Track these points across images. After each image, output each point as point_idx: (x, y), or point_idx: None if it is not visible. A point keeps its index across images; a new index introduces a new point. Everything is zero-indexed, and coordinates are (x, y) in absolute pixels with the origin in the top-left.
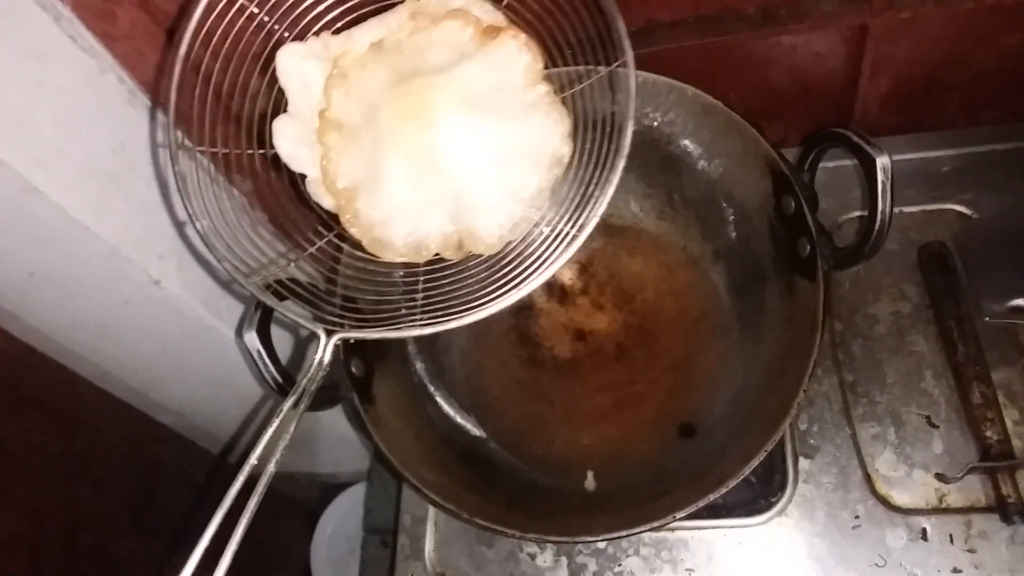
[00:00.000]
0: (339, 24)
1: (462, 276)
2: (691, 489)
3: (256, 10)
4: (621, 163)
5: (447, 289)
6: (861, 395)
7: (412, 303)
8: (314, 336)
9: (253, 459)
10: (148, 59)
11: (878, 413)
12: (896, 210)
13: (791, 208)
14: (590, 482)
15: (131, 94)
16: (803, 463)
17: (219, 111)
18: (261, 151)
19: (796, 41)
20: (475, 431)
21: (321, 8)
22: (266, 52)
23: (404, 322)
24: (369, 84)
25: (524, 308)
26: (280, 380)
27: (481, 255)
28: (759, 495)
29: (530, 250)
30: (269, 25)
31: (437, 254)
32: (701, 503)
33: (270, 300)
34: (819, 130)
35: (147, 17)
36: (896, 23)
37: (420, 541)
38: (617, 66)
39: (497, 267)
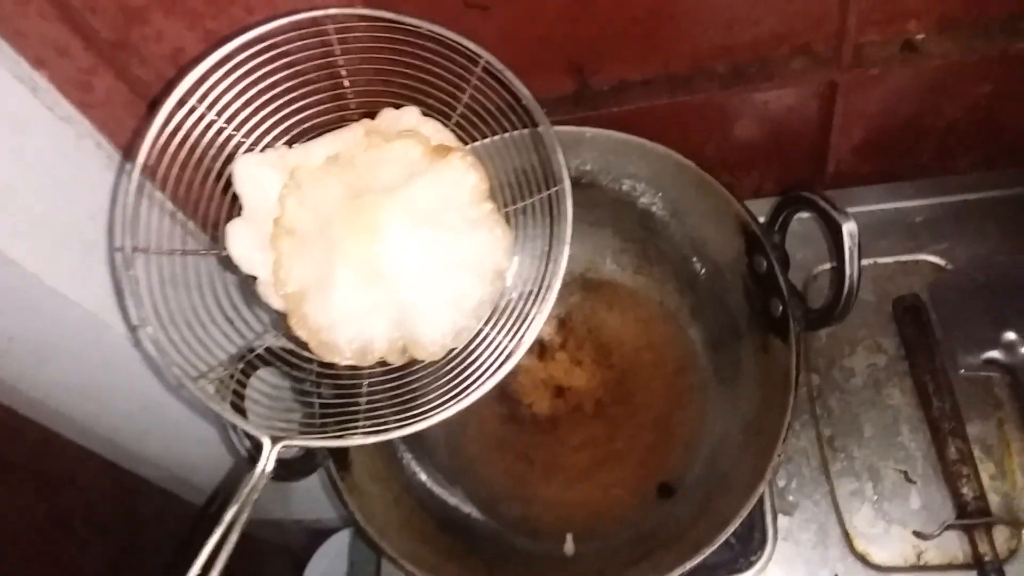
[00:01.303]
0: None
1: (405, 382)
2: (670, 553)
3: (215, 117)
4: (557, 283)
5: (390, 394)
6: (839, 450)
7: (355, 407)
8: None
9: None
10: (126, 125)
11: (856, 468)
12: (871, 261)
13: (763, 267)
14: (569, 546)
15: (109, 159)
16: (782, 520)
17: (176, 214)
18: (214, 252)
19: (767, 97)
20: (452, 500)
21: (277, 117)
22: (223, 159)
23: (347, 428)
24: (323, 196)
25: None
26: (254, 452)
27: (424, 361)
28: (739, 554)
29: (470, 359)
30: (227, 131)
31: (382, 359)
32: (678, 571)
33: (215, 404)
34: (794, 181)
35: (124, 86)
36: (865, 79)
37: None
38: (555, 191)
39: (439, 374)
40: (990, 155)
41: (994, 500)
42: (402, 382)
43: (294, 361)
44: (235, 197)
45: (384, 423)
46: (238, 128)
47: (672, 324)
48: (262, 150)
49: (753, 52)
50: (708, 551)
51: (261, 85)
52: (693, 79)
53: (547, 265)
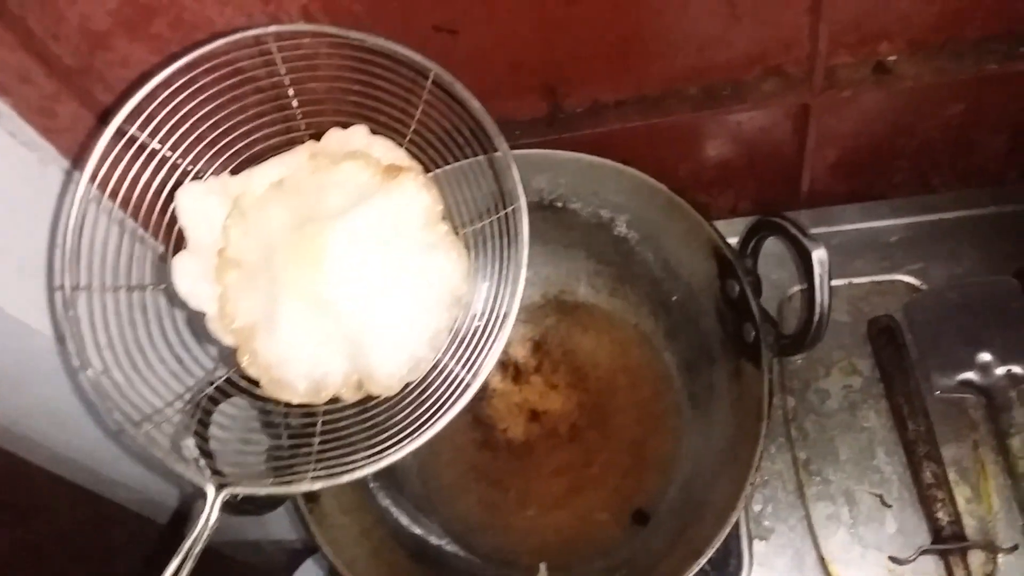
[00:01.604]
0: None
1: (359, 419)
2: None
3: (158, 146)
4: (515, 309)
5: (343, 435)
6: (814, 473)
7: (307, 448)
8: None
9: None
10: (92, 150)
11: (831, 492)
12: (846, 281)
13: (735, 292)
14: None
15: (75, 185)
16: (758, 546)
17: (120, 247)
18: (162, 286)
19: (740, 118)
20: (424, 531)
21: (223, 143)
22: (167, 189)
23: (298, 473)
24: (268, 224)
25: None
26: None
27: (379, 396)
28: None
29: (427, 392)
30: (172, 160)
31: (336, 396)
32: None
33: (159, 451)
34: (770, 201)
35: (87, 112)
36: (837, 100)
37: None
38: (511, 210)
39: (394, 410)
40: (964, 174)
41: (970, 524)
42: (356, 420)
43: (248, 401)
44: (181, 230)
45: (337, 465)
46: (183, 156)
47: (647, 347)
48: (207, 178)
49: (725, 74)
50: None
51: (205, 109)
52: (666, 101)
53: (505, 290)
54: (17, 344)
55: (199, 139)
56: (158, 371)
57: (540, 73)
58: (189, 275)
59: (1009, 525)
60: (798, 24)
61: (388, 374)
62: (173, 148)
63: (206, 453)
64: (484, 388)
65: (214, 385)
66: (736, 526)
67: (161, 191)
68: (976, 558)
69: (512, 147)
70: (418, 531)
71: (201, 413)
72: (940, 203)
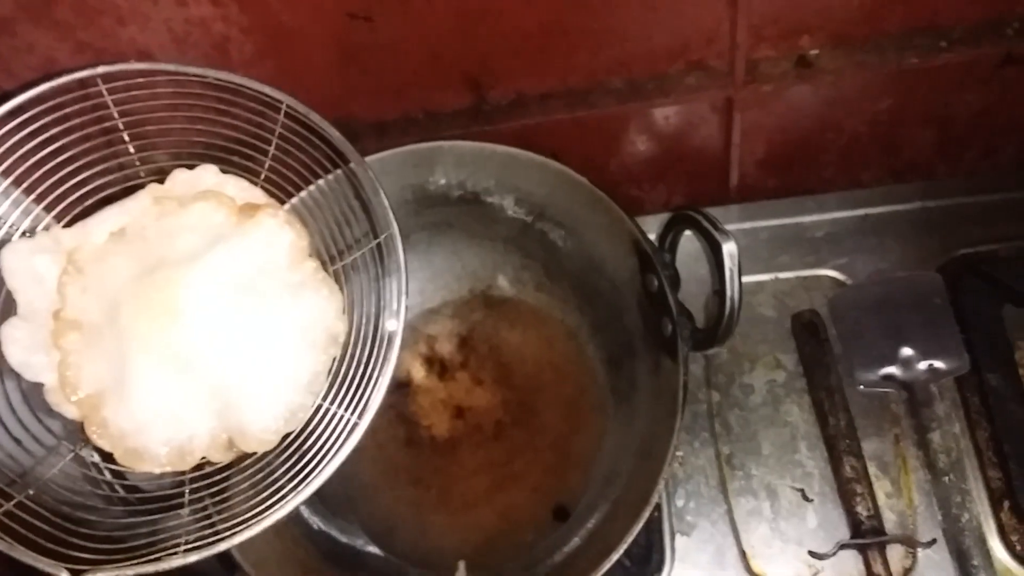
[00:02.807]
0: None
1: (234, 481)
2: None
3: None
4: (398, 340)
5: (218, 498)
6: (737, 468)
7: (176, 520)
8: None
9: None
10: None
11: (754, 487)
12: (772, 276)
13: (655, 286)
14: (461, 574)
15: None
16: (680, 541)
17: None
18: None
19: (666, 112)
20: (339, 531)
21: (52, 197)
22: None
23: (168, 546)
24: (110, 278)
25: (402, 385)
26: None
27: (256, 453)
28: (638, 575)
29: (310, 441)
30: None
31: (204, 458)
32: None
33: (2, 545)
34: (701, 196)
35: None
36: (761, 94)
37: None
38: (384, 238)
39: (275, 465)
40: (895, 170)
41: (890, 518)
42: (230, 482)
43: (97, 477)
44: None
45: (213, 533)
46: (3, 217)
47: (573, 342)
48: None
49: (649, 67)
50: None
51: (29, 161)
52: (591, 94)
53: (386, 321)
54: None
55: (26, 192)
56: None
57: (462, 64)
58: (20, 344)
59: (928, 519)
60: (717, 17)
61: (263, 428)
62: None
63: (57, 536)
64: (408, 383)
65: (59, 466)
66: (659, 521)
67: None
68: (895, 552)
69: (435, 138)
70: (333, 531)
71: (51, 492)
72: (867, 198)
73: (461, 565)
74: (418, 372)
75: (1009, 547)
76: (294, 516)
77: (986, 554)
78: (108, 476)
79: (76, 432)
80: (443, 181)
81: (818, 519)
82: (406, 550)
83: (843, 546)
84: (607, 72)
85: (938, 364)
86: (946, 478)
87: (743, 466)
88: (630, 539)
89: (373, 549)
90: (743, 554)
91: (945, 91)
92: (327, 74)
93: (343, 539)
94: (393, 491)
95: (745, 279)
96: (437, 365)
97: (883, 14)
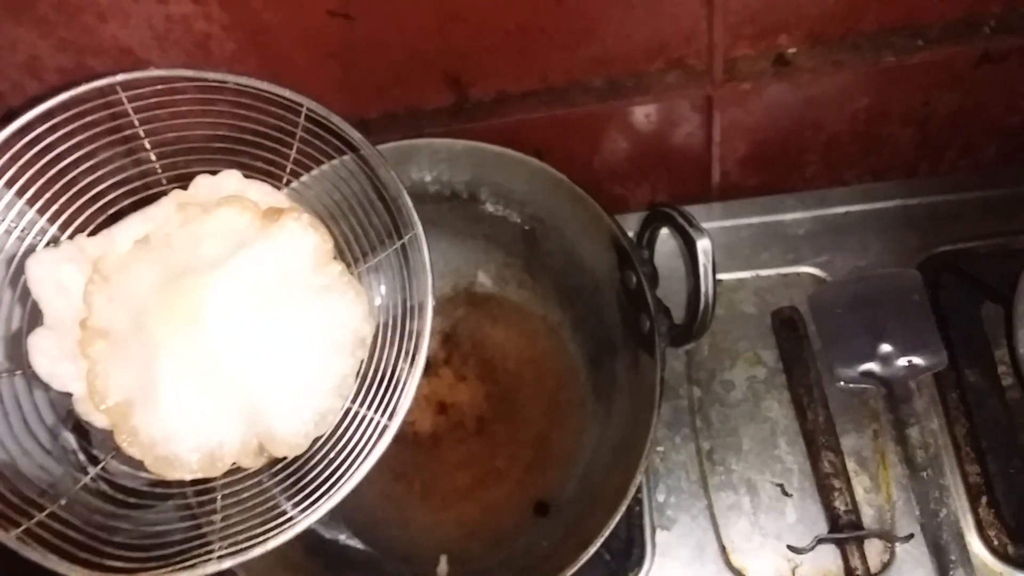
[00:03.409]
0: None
1: (266, 487)
2: (538, 572)
3: None
4: (425, 342)
5: (249, 504)
6: (718, 463)
7: (209, 527)
8: None
9: None
10: None
11: (734, 482)
12: (753, 274)
13: (633, 283)
14: (443, 567)
15: None
16: (660, 535)
17: None
18: (19, 372)
19: (647, 110)
20: (322, 526)
21: (76, 206)
22: (15, 261)
23: (201, 553)
24: (135, 286)
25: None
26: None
27: (287, 458)
28: (616, 571)
29: (341, 443)
30: (16, 231)
31: (235, 464)
32: None
33: (36, 554)
34: (684, 194)
35: None
36: (739, 93)
37: None
38: (408, 239)
39: (305, 469)
40: (876, 169)
41: (868, 513)
42: (262, 487)
43: (130, 486)
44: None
45: (245, 540)
46: (28, 226)
47: (554, 339)
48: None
49: (628, 66)
50: (570, 571)
51: (52, 171)
52: (571, 92)
53: (412, 323)
54: None
55: (49, 203)
56: (25, 467)
57: (442, 61)
58: (48, 353)
59: (907, 515)
60: (695, 16)
61: (292, 432)
62: (17, 219)
63: (90, 546)
64: None
65: (89, 476)
66: (639, 516)
67: (9, 264)
68: (873, 547)
69: (416, 136)
70: (315, 525)
71: (84, 503)
72: (848, 196)
73: (443, 559)
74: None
75: (987, 542)
76: None
77: (964, 549)
78: (143, 483)
79: (106, 441)
80: (424, 178)
81: (797, 514)
82: (389, 544)
83: (821, 540)
84: (587, 71)
85: (917, 360)
86: (924, 473)
87: (723, 461)
88: (607, 531)
89: (356, 543)
90: (723, 548)
91: (923, 90)
92: (308, 72)
93: (326, 534)
94: (376, 486)
95: (726, 276)
96: None
97: (859, 13)
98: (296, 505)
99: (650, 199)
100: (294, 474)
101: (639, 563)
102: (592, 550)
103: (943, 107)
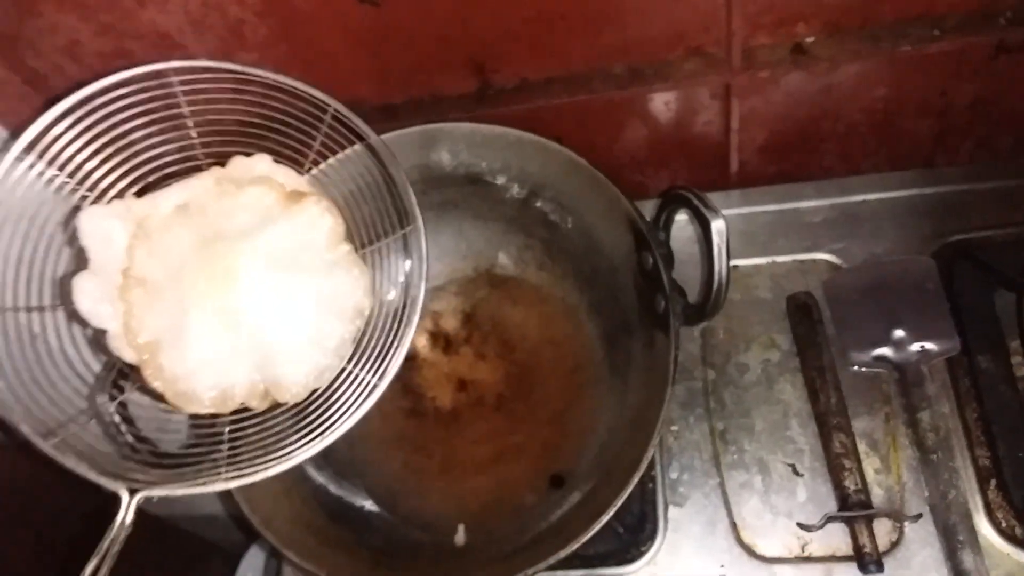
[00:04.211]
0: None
1: (268, 425)
2: (551, 542)
3: (56, 172)
4: (415, 319)
5: (253, 439)
6: (731, 443)
7: (218, 454)
8: None
9: None
10: (20, 115)
11: (746, 461)
12: (769, 260)
13: (650, 264)
14: (460, 536)
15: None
16: (673, 511)
17: (20, 269)
18: (61, 307)
19: (667, 97)
20: (346, 493)
21: (123, 170)
22: (67, 212)
23: (209, 475)
24: (173, 245)
25: (409, 359)
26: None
27: (288, 403)
28: (630, 544)
29: (334, 397)
30: (70, 185)
31: (243, 404)
32: (553, 558)
33: (70, 461)
34: (704, 181)
35: (17, 77)
36: (757, 81)
37: None
38: (409, 230)
39: (302, 415)
40: (894, 158)
41: (878, 493)
42: (265, 425)
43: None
44: (81, 251)
45: (248, 465)
46: (81, 182)
47: (572, 320)
48: (108, 202)
49: (648, 53)
50: (582, 540)
51: (104, 139)
52: (592, 79)
53: (407, 300)
54: None
55: (99, 166)
56: (61, 388)
57: (467, 48)
58: (90, 295)
59: (916, 496)
60: (714, 4)
61: (295, 382)
62: (71, 175)
63: (116, 459)
64: (414, 356)
65: (118, 400)
66: (653, 492)
67: (60, 214)
68: (882, 526)
69: (441, 120)
70: (339, 492)
71: (110, 421)
72: (864, 184)
73: (461, 528)
74: (424, 346)
75: (995, 524)
76: (303, 477)
77: (972, 530)
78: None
79: (133, 376)
80: (448, 162)
81: (808, 493)
82: (409, 513)
83: (831, 518)
84: (608, 58)
85: (929, 346)
86: (934, 456)
87: (736, 441)
88: (620, 502)
89: (378, 510)
90: (734, 525)
91: (940, 80)
92: (337, 58)
93: (349, 500)
94: (398, 458)
95: (743, 262)
96: (442, 340)
97: (876, 3)
98: (292, 444)
99: (668, 187)
100: (293, 417)
101: (651, 537)
102: (604, 519)
103: (960, 97)
